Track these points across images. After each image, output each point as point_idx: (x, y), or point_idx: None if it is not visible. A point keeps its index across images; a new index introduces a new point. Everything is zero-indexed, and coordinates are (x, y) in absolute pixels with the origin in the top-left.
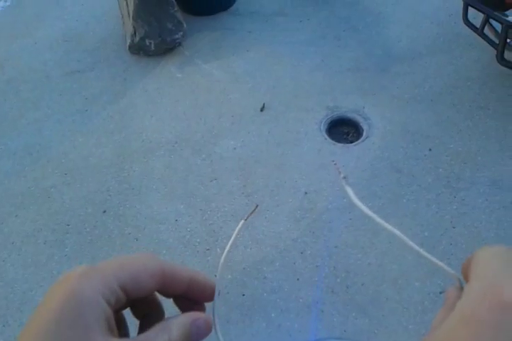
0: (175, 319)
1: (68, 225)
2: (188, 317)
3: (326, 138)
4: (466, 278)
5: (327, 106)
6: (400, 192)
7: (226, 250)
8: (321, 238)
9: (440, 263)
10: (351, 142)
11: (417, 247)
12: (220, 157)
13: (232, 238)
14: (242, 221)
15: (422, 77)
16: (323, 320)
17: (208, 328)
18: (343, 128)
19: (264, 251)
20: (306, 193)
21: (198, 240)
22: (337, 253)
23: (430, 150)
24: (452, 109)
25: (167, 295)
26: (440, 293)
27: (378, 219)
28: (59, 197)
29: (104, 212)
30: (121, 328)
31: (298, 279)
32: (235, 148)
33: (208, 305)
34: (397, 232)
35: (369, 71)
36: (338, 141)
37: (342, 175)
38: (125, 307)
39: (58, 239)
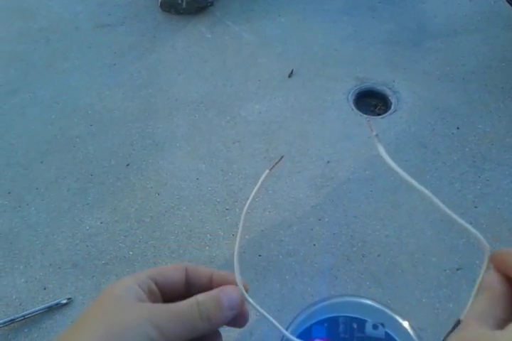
0: (205, 293)
1: (92, 175)
2: (216, 288)
3: (352, 109)
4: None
5: (356, 76)
6: (424, 168)
7: (250, 199)
8: (340, 207)
9: (473, 230)
10: (378, 115)
11: (448, 211)
12: (245, 120)
13: (257, 187)
14: (267, 170)
15: (455, 54)
16: (336, 286)
17: (237, 295)
18: (371, 100)
19: (283, 216)
20: (328, 162)
21: (218, 200)
22: (355, 222)
23: (458, 128)
24: (484, 89)
25: (196, 291)
26: (457, 269)
27: (407, 177)
28: (84, 147)
29: (128, 165)
30: None
31: (314, 245)
32: (259, 113)
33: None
34: (428, 193)
35: (401, 45)
36: (365, 112)
37: (374, 133)
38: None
39: (81, 188)
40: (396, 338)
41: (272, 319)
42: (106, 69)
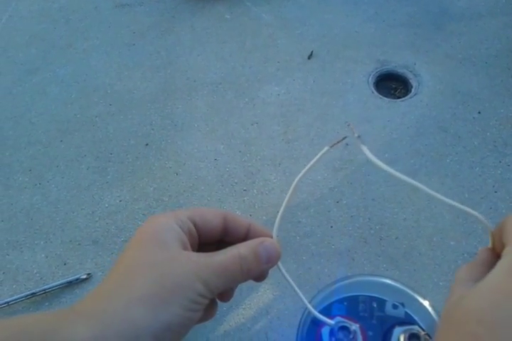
0: (243, 243)
1: (111, 154)
2: (256, 240)
3: (372, 92)
4: (500, 241)
5: (377, 59)
6: (444, 152)
7: (303, 172)
8: (358, 189)
9: (473, 212)
10: (398, 98)
11: (447, 199)
12: (263, 102)
13: (312, 161)
14: (327, 147)
15: (478, 38)
16: (353, 268)
17: (275, 249)
18: (392, 83)
19: (300, 197)
20: (347, 145)
21: (236, 180)
22: (373, 205)
23: (479, 113)
24: (507, 73)
25: (231, 239)
26: (475, 254)
27: (398, 174)
28: (103, 127)
29: (147, 145)
30: None
31: (331, 227)
32: (278, 95)
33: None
34: (421, 186)
35: (423, 28)
36: (385, 95)
37: (356, 135)
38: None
39: (101, 166)
40: (416, 318)
41: (298, 290)
42: (125, 49)
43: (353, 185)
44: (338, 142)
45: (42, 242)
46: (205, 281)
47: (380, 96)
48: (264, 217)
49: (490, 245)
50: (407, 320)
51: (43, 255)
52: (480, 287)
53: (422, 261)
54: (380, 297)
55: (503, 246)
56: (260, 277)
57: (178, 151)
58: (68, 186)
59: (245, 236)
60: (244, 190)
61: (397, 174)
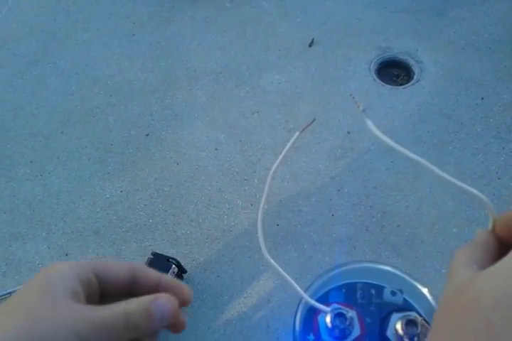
0: (137, 298)
1: (112, 145)
2: (150, 296)
3: (374, 79)
4: (507, 228)
5: (379, 46)
6: (447, 139)
7: (278, 160)
8: (359, 177)
9: (475, 191)
10: (401, 85)
11: (448, 177)
12: (264, 91)
13: (286, 148)
14: (298, 132)
15: (481, 23)
16: (355, 256)
17: (170, 306)
18: (394, 70)
19: (302, 186)
20: (348, 133)
21: (237, 170)
22: (375, 193)
23: (482, 99)
24: (511, 58)
25: (140, 292)
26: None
27: (401, 149)
28: (104, 118)
29: (147, 135)
30: None
31: (333, 215)
32: (279, 83)
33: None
34: (425, 162)
35: (425, 13)
36: (387, 82)
37: (361, 108)
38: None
39: (102, 157)
40: (414, 305)
41: (292, 281)
42: (125, 40)
43: (354, 173)
44: (307, 126)
45: (44, 233)
46: (80, 336)
47: (382, 83)
48: (266, 206)
49: (490, 228)
50: (405, 307)
51: (45, 246)
52: (494, 271)
53: (424, 249)
54: (379, 284)
55: (509, 233)
56: (174, 330)
57: (179, 141)
58: (69, 177)
59: (155, 289)
60: (245, 180)
61: (402, 149)
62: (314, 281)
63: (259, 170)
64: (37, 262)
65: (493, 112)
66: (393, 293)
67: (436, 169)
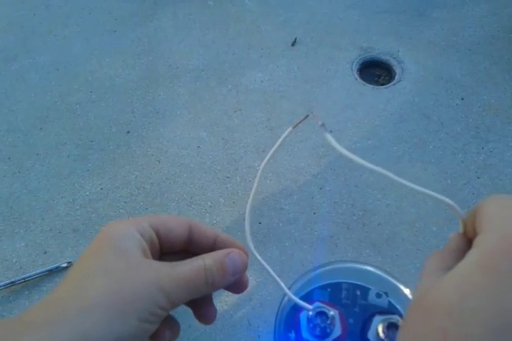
0: (209, 253)
1: (92, 142)
2: (222, 251)
3: (356, 79)
4: (472, 228)
5: (360, 46)
6: (427, 139)
7: (268, 155)
8: (341, 176)
9: (440, 197)
10: (382, 84)
11: (410, 184)
12: (246, 89)
13: (277, 144)
14: (290, 128)
15: (461, 25)
16: (336, 254)
17: (242, 260)
18: (375, 70)
19: (284, 184)
20: (330, 131)
21: (219, 168)
22: (356, 191)
23: (462, 99)
24: (490, 60)
25: (196, 250)
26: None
27: (363, 162)
28: (84, 114)
29: (128, 132)
30: None
31: (314, 213)
32: (262, 81)
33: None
34: (386, 172)
35: (407, 14)
36: (369, 82)
37: (320, 123)
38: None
39: (81, 154)
40: (399, 308)
41: (276, 277)
42: (106, 36)
43: (336, 171)
44: (300, 122)
45: (22, 231)
46: (166, 292)
47: (364, 83)
48: (253, 201)
49: (461, 230)
50: (390, 310)
51: (22, 244)
52: (448, 278)
53: (404, 247)
54: (364, 285)
55: (475, 233)
56: (238, 289)
57: (160, 138)
58: (48, 174)
59: (211, 248)
60: (227, 177)
61: (364, 162)
62: (298, 279)
63: (242, 167)
64: (14, 260)
65: (472, 112)
66: (378, 296)
67: (395, 177)
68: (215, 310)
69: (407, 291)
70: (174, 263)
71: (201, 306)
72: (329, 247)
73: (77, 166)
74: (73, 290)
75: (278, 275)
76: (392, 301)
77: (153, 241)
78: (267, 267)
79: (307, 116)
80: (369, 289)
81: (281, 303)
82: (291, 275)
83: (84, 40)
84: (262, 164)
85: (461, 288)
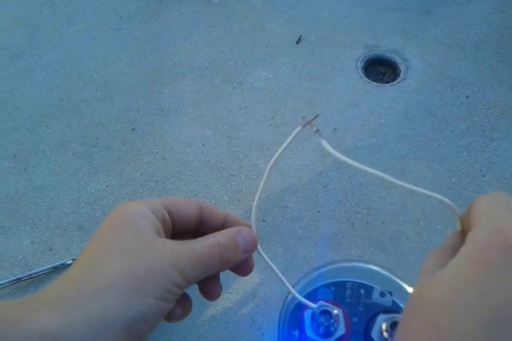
0: (220, 231)
1: (97, 139)
2: (233, 228)
3: (361, 76)
4: (468, 224)
5: (366, 44)
6: (432, 137)
7: (276, 155)
8: (345, 174)
9: (440, 197)
10: (387, 82)
11: (406, 184)
12: (251, 87)
13: (285, 143)
14: (299, 127)
15: (467, 22)
16: (340, 252)
17: (253, 238)
18: (380, 68)
19: (288, 182)
20: (335, 129)
21: (223, 166)
22: (360, 190)
23: (467, 97)
24: (496, 58)
25: (207, 231)
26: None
27: (363, 167)
28: (89, 112)
29: (133, 130)
30: None
31: (319, 211)
32: (267, 79)
33: None
34: (382, 174)
35: (413, 12)
36: (374, 80)
37: (314, 129)
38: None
39: (87, 152)
40: (403, 307)
41: (281, 275)
42: (112, 34)
43: (340, 169)
44: (310, 121)
45: (27, 228)
46: (181, 270)
47: (369, 80)
48: (251, 202)
49: (458, 228)
50: (393, 309)
51: (28, 241)
52: (441, 275)
53: (408, 245)
54: (369, 284)
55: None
56: (244, 269)
57: (165, 136)
58: (54, 172)
59: (222, 228)
60: (232, 175)
61: (363, 167)
62: (303, 277)
63: (246, 165)
64: (20, 257)
65: (477, 111)
66: (382, 294)
67: (394, 179)
68: (221, 287)
69: (411, 290)
70: (188, 241)
71: (209, 283)
72: (333, 245)
73: (82, 164)
74: (88, 269)
75: (282, 273)
76: (396, 300)
77: (166, 220)
78: (272, 265)
79: (317, 115)
80: (373, 288)
81: (285, 301)
82: (295, 273)
83: (89, 38)
84: (269, 164)
85: (453, 283)
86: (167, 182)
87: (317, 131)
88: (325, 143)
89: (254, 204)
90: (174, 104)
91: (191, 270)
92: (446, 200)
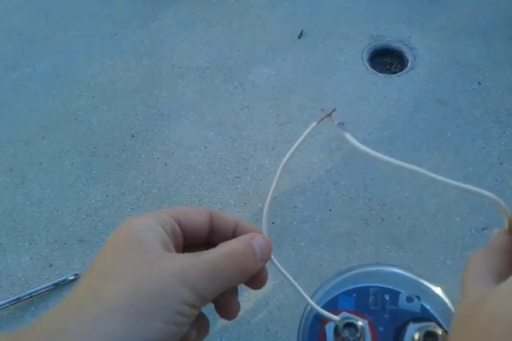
0: (233, 239)
1: (95, 148)
2: (247, 235)
3: (367, 68)
4: None
5: (370, 34)
6: (445, 126)
7: (291, 150)
8: (356, 170)
9: (488, 193)
10: (394, 73)
11: (455, 182)
12: (253, 85)
13: (300, 139)
14: (314, 123)
15: (475, 8)
16: (354, 251)
17: (267, 244)
18: (387, 59)
19: (296, 181)
20: (343, 124)
21: (228, 168)
22: (373, 185)
23: (480, 83)
24: (506, 41)
25: (218, 240)
26: (483, 229)
27: (393, 161)
28: (86, 120)
29: (132, 136)
30: None
31: (330, 210)
32: (269, 76)
33: None
34: (416, 168)
35: (417, 0)
36: (381, 71)
37: (336, 122)
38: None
39: (85, 161)
40: (433, 312)
41: (298, 286)
42: (107, 40)
43: (350, 165)
44: (326, 116)
45: (26, 244)
46: (192, 286)
47: (375, 72)
48: (259, 204)
49: (506, 227)
50: (423, 315)
51: (27, 257)
52: (504, 289)
53: (427, 240)
54: (393, 288)
55: None
56: (258, 281)
57: (166, 141)
58: (52, 184)
59: (232, 236)
60: (237, 177)
61: (391, 159)
62: (321, 287)
63: (251, 166)
64: (19, 275)
65: (491, 96)
66: (409, 300)
67: (432, 174)
68: (239, 305)
69: (438, 290)
70: (198, 253)
71: (226, 299)
72: (347, 244)
73: (81, 174)
74: (89, 293)
75: (295, 277)
76: (426, 305)
77: (176, 233)
78: (286, 274)
79: (334, 110)
80: (399, 293)
81: (304, 312)
82: (309, 276)
83: (84, 45)
84: (282, 164)
85: None
86: (170, 188)
87: (341, 124)
88: (349, 137)
89: (265, 208)
90: (174, 107)
91: (204, 285)
92: (496, 198)
